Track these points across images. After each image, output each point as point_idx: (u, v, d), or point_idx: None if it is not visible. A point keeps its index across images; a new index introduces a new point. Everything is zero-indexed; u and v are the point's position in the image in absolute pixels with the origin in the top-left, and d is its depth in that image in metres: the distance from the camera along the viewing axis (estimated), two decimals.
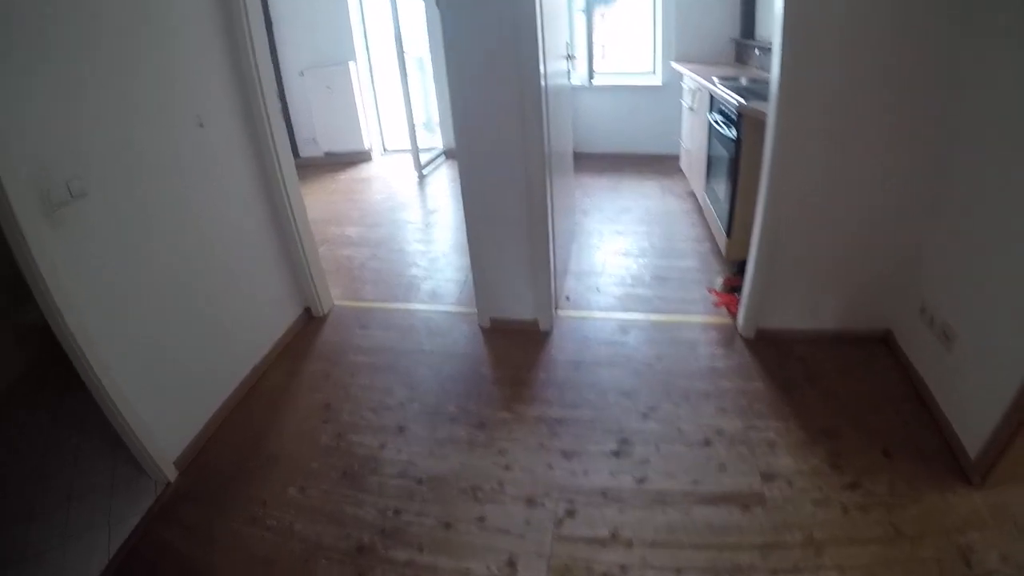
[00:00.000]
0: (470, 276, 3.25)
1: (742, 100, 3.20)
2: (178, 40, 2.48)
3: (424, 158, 6.40)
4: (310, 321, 3.50)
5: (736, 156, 3.33)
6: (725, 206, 3.63)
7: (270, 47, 7.21)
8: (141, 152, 2.29)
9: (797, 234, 2.72)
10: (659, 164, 6.13)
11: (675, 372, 2.82)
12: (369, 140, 7.33)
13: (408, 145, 6.37)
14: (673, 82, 5.89)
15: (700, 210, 4.67)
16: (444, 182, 6.17)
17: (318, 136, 7.43)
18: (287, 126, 7.58)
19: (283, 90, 7.34)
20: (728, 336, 3.07)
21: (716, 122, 3.75)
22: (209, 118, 2.65)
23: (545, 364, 2.95)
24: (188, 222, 2.55)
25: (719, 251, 3.90)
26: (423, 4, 6.25)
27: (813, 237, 2.73)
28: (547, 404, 2.66)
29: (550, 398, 2.70)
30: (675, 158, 6.01)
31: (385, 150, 7.67)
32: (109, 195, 2.13)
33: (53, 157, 1.90)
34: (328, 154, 7.50)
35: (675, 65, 5.59)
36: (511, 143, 2.71)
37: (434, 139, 7.40)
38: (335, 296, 3.71)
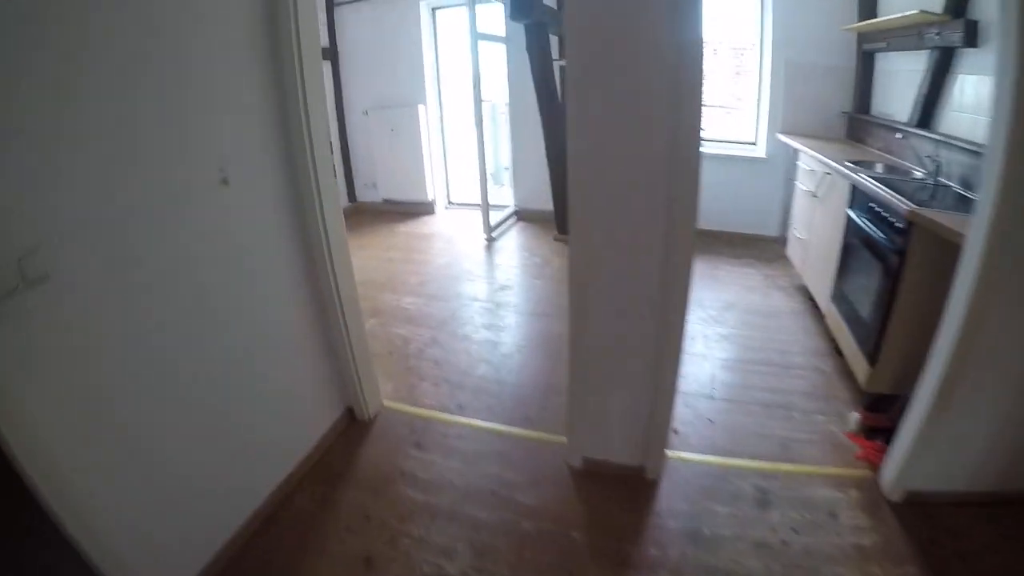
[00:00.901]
0: (552, 383, 2.71)
1: (915, 207, 2.63)
2: (201, 68, 1.98)
3: (494, 218, 5.96)
4: (351, 425, 2.99)
5: (896, 270, 2.74)
6: (869, 324, 3.03)
7: (334, 82, 7.02)
8: (132, 217, 1.78)
9: (976, 382, 2.18)
10: (756, 247, 5.55)
11: (815, 552, 2.21)
12: (433, 191, 6.95)
13: (476, 200, 5.97)
14: (778, 155, 5.37)
15: (813, 311, 4.08)
16: (514, 249, 5.69)
17: (378, 181, 7.13)
18: (344, 167, 7.34)
19: (344, 129, 7.08)
20: (871, 499, 2.46)
21: (861, 221, 3.17)
22: (237, 172, 2.15)
23: (655, 534, 2.34)
24: (195, 305, 2.05)
25: (847, 371, 3.29)
26: (503, 48, 5.90)
27: (991, 387, 2.20)
28: None
29: None
30: (774, 240, 5.49)
31: (450, 203, 7.28)
32: (81, 278, 1.63)
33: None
34: (387, 201, 7.18)
35: (784, 138, 5.06)
36: (648, 220, 2.11)
37: (503, 194, 6.99)
38: (385, 394, 3.20)
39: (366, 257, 5.57)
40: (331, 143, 2.54)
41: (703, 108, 1.94)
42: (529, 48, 4.82)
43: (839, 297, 3.57)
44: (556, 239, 5.66)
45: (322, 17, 6.69)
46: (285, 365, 2.55)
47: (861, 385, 3.10)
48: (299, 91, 2.28)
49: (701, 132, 1.96)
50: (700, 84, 1.89)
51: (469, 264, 5.24)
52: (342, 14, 6.76)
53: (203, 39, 1.98)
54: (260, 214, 2.32)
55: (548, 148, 5.37)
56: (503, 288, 4.64)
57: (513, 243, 5.84)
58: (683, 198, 2.03)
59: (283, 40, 2.22)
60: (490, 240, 5.82)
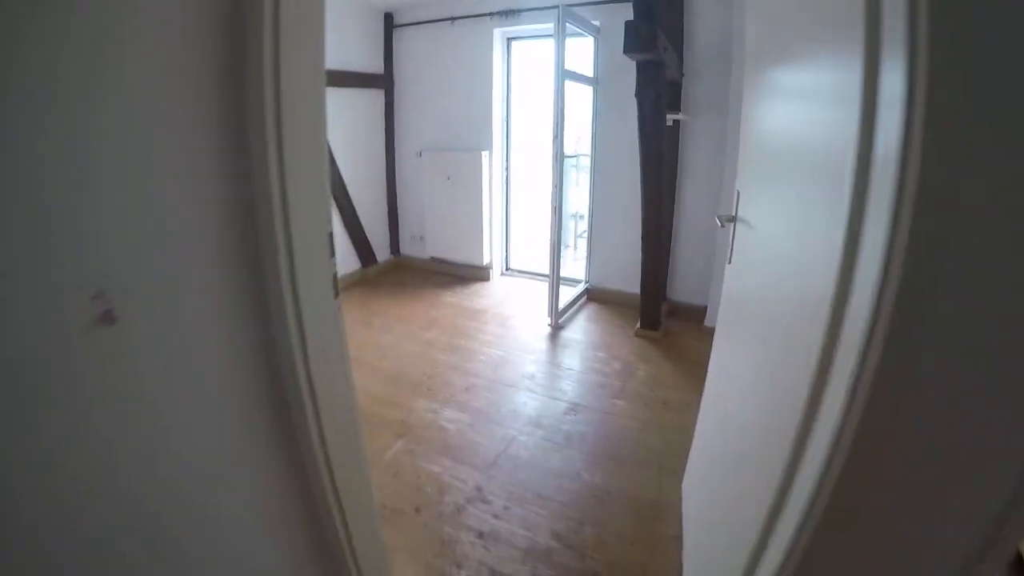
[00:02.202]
0: None
1: None
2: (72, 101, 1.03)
3: (563, 297, 4.94)
4: None
5: None
6: None
7: (386, 114, 6.15)
8: None
9: None
10: None
11: None
12: (490, 254, 6.00)
13: (539, 268, 5.11)
14: None
15: None
16: (586, 345, 4.60)
17: (427, 235, 6.27)
18: (390, 215, 6.45)
19: (393, 169, 6.32)
20: None
21: None
22: (133, 295, 1.07)
23: None
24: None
25: None
26: (590, 89, 5.03)
27: None
28: None
29: None
30: None
31: (508, 269, 6.29)
32: None
33: None
34: (435, 259, 6.28)
35: None
36: None
37: (571, 264, 6.08)
38: None
39: (401, 335, 4.60)
40: (331, 233, 1.53)
41: None
42: (640, 93, 3.81)
43: None
44: (638, 334, 4.59)
45: (378, 40, 6.00)
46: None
47: None
48: (270, 149, 1.27)
49: None
50: None
51: (529, 363, 4.19)
52: (401, 37, 6.00)
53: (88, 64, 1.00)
54: (186, 359, 1.28)
55: (646, 221, 4.31)
56: (572, 408, 3.55)
57: (584, 334, 4.78)
58: None
59: (251, 58, 1.24)
60: (556, 328, 4.79)
